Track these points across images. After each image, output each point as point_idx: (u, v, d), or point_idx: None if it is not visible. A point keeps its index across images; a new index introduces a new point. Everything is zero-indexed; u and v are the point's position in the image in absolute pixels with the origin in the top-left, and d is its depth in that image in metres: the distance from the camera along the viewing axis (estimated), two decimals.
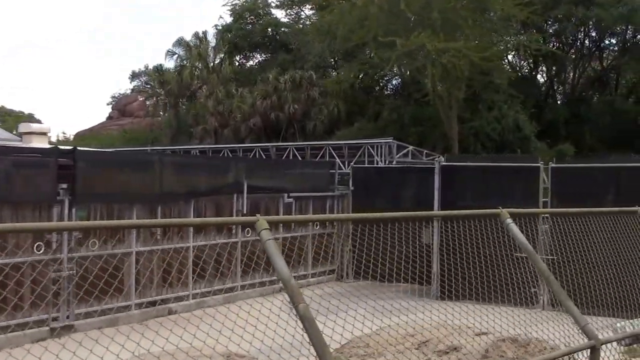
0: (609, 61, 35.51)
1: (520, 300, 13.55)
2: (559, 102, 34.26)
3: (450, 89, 27.64)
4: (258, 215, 4.42)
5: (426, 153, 25.46)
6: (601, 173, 15.93)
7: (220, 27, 41.92)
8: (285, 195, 19.66)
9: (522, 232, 9.60)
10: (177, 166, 16.69)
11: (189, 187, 16.57)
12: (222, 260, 17.44)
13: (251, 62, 43.06)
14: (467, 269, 11.77)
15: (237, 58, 43.28)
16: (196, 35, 42.51)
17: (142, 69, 52.78)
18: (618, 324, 6.34)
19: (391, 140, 24.28)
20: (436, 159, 18.85)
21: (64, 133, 70.33)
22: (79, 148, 14.78)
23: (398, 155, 24.16)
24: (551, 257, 16.53)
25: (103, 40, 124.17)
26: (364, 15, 27.81)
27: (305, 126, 36.75)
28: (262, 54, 42.58)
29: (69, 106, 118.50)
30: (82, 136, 61.45)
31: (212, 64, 41.82)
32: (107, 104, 74.28)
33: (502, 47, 27.43)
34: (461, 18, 26.05)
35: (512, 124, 29.81)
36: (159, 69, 43.52)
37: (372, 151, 24.17)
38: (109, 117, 72.85)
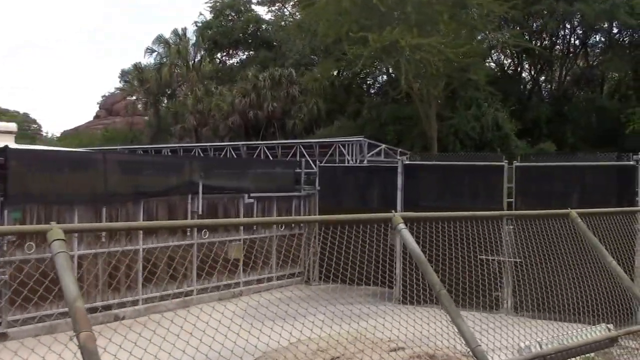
0: (594, 59, 34.73)
1: (483, 305, 12.92)
2: (543, 100, 33.39)
3: (427, 87, 26.88)
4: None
5: (400, 152, 24.71)
6: (566, 172, 15.24)
7: (200, 24, 41.12)
8: (246, 195, 18.97)
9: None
10: (124, 165, 15.99)
11: (138, 188, 15.87)
12: (174, 263, 16.75)
13: (232, 60, 42.30)
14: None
15: (218, 56, 42.49)
16: (175, 32, 41.76)
17: (131, 67, 52.07)
18: (523, 344, 5.63)
19: (362, 138, 23.55)
20: (400, 157, 18.12)
21: (46, 132, 69.89)
22: (10, 146, 14.05)
23: (370, 154, 23.44)
24: (515, 260, 15.93)
25: (103, 40, 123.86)
26: (340, 10, 27.06)
27: (286, 125, 36.00)
28: (244, 52, 41.79)
29: (68, 105, 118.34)
30: (66, 135, 60.78)
31: (192, 61, 41.06)
32: (97, 103, 73.91)
33: (480, 44, 26.57)
34: (437, 13, 25.30)
35: (492, 122, 29.06)
36: (137, 67, 42.72)
37: (343, 150, 23.45)
38: (96, 116, 72.29)
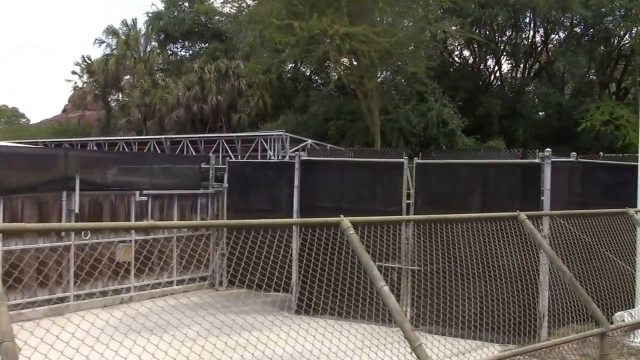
0: (549, 53, 33.17)
1: (382, 317, 11.41)
2: (495, 96, 31.80)
3: (362, 79, 25.30)
4: None
5: (330, 148, 23.18)
6: (468, 170, 13.73)
7: (151, 14, 39.47)
8: (137, 192, 17.38)
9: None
10: None
11: None
12: (45, 268, 15.15)
13: (184, 52, 40.63)
14: (328, 280, 9.67)
15: (170, 47, 40.83)
16: (125, 22, 40.10)
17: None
18: None
19: (283, 132, 21.98)
20: (298, 152, 16.57)
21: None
22: None
23: (293, 149, 21.89)
24: (414, 268, 14.41)
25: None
26: None
27: (232, 119, 34.43)
28: (195, 43, 40.14)
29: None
30: (26, 130, 59.10)
31: (141, 53, 39.41)
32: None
33: (420, 33, 24.95)
34: (371, 0, 23.76)
35: (437, 117, 27.57)
36: (86, 59, 41.07)
37: (265, 145, 21.90)
38: (64, 110, 70.71)
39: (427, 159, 14.43)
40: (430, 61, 26.29)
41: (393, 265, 14.21)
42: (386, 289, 5.01)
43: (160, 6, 39.81)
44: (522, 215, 7.23)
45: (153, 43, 40.03)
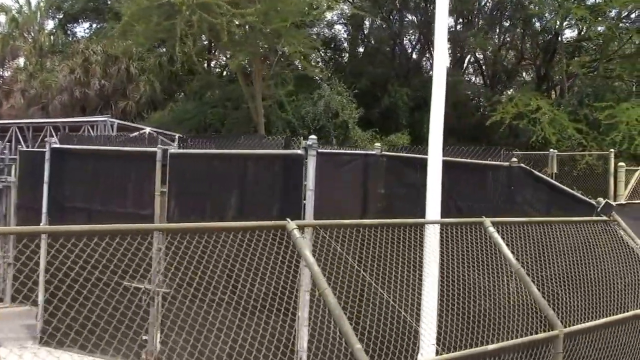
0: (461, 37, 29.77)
1: (128, 350, 8.19)
2: (403, 85, 28.36)
3: (233, 59, 21.72)
4: None
5: (179, 137, 19.69)
6: (223, 163, 10.37)
7: None
8: None
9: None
10: None
11: None
12: None
13: (82, 33, 37.00)
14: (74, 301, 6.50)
15: (69, 28, 37.15)
16: None
17: None
18: None
19: (107, 118, 18.50)
20: (48, 140, 13.11)
21: None
22: None
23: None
24: (165, 291, 11.10)
25: None
26: None
27: (118, 106, 30.81)
28: (94, 23, 36.49)
29: None
30: None
31: (32, 33, 35.68)
32: None
33: (298, 6, 21.38)
34: None
35: (324, 107, 24.19)
36: None
37: (91, 132, 18.41)
38: None
39: (183, 149, 11.01)
40: (314, 42, 22.59)
41: (141, 286, 10.83)
42: None
43: None
44: (292, 224, 5.07)
45: (49, 22, 36.35)
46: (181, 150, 10.87)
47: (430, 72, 30.67)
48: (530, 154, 21.23)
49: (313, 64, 23.30)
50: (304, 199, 9.35)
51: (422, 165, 10.54)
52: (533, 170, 8.43)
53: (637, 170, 19.61)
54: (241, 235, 6.06)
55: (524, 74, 33.72)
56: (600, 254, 7.46)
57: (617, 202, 15.72)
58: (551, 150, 20.32)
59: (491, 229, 6.63)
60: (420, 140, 26.91)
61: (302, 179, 9.38)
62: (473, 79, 32.73)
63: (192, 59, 24.57)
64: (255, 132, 24.80)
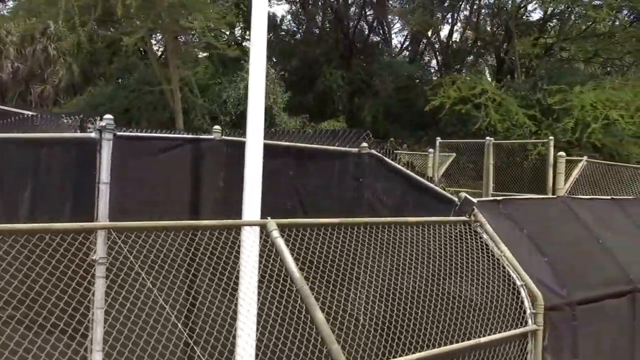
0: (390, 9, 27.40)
1: None
2: (337, 68, 26.06)
3: (131, 35, 19.18)
4: None
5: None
6: (18, 150, 7.97)
7: None
8: None
9: None
10: None
11: None
12: None
13: (5, 12, 34.05)
14: None
15: None
16: None
17: None
18: None
19: None
20: None
21: None
22: None
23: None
24: None
25: None
26: None
27: (33, 90, 28.14)
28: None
29: None
30: None
31: None
32: None
33: None
34: None
35: (245, 89, 21.84)
36: None
37: None
38: None
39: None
40: (224, 17, 20.14)
41: None
42: None
43: None
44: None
45: None
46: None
47: (377, 52, 28.54)
48: (471, 142, 19.18)
49: (229, 42, 20.87)
50: (97, 195, 7.03)
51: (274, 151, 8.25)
52: (385, 158, 6.30)
53: (580, 160, 17.67)
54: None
55: (485, 58, 31.81)
56: (453, 265, 5.38)
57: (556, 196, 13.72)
58: (487, 138, 18.23)
59: (275, 234, 4.57)
60: (359, 127, 24.77)
61: (95, 163, 7.06)
62: (431, 62, 30.69)
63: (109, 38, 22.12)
64: (171, 119, 22.46)
